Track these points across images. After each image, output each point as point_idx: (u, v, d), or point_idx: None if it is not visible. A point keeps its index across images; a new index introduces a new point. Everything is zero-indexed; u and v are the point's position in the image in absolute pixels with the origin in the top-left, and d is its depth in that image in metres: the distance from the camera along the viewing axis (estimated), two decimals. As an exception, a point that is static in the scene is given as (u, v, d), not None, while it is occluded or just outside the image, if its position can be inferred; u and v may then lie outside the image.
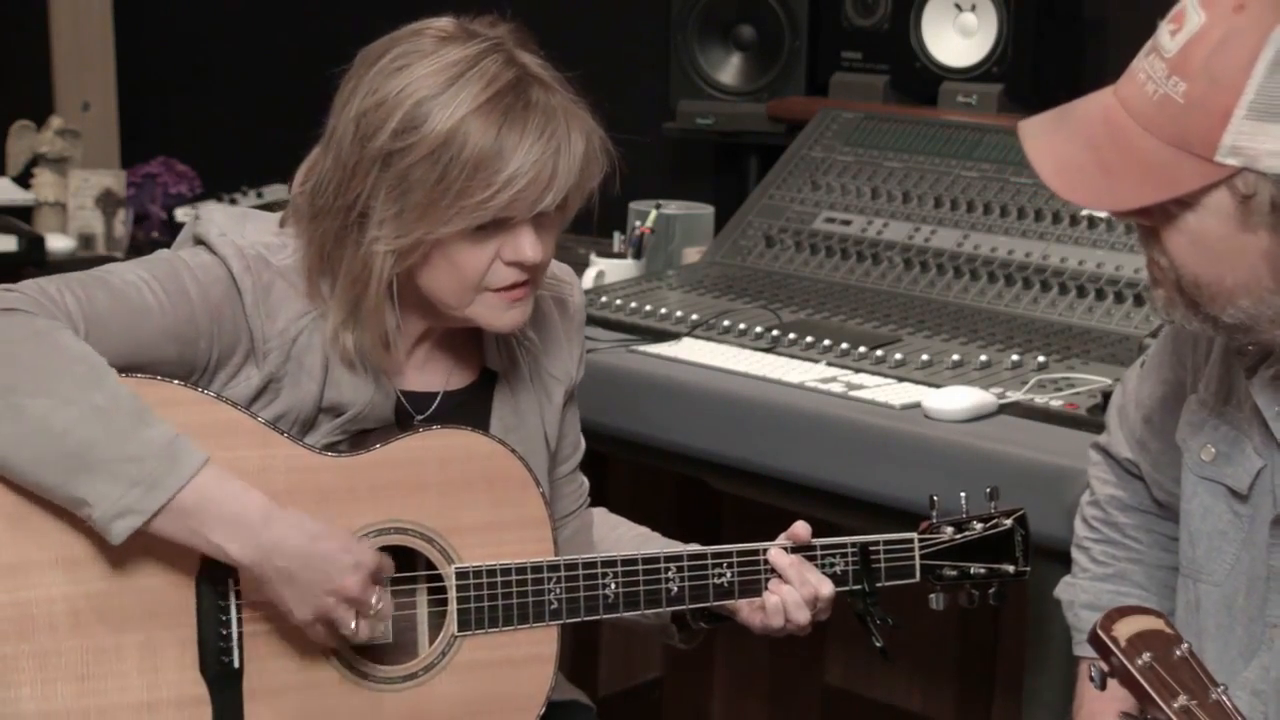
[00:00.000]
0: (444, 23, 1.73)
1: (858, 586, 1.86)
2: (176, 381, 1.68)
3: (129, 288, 1.67)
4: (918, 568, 1.88)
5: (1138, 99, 1.47)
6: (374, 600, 1.66)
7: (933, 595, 1.90)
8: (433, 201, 1.65)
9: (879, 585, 1.87)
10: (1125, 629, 1.36)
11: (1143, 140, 1.46)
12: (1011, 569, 1.90)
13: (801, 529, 1.86)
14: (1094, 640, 1.37)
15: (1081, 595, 1.88)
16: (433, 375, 1.84)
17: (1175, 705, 1.32)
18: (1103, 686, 1.40)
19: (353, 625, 1.66)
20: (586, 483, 2.04)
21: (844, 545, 1.86)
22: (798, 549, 1.85)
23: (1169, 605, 1.78)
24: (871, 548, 1.87)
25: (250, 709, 1.68)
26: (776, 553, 1.84)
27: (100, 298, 1.66)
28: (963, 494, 1.90)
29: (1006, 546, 1.90)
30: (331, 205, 1.70)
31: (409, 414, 1.82)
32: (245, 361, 1.73)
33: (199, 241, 1.76)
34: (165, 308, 1.68)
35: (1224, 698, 1.33)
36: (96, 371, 1.60)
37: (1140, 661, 1.34)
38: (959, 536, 1.88)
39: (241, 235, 1.74)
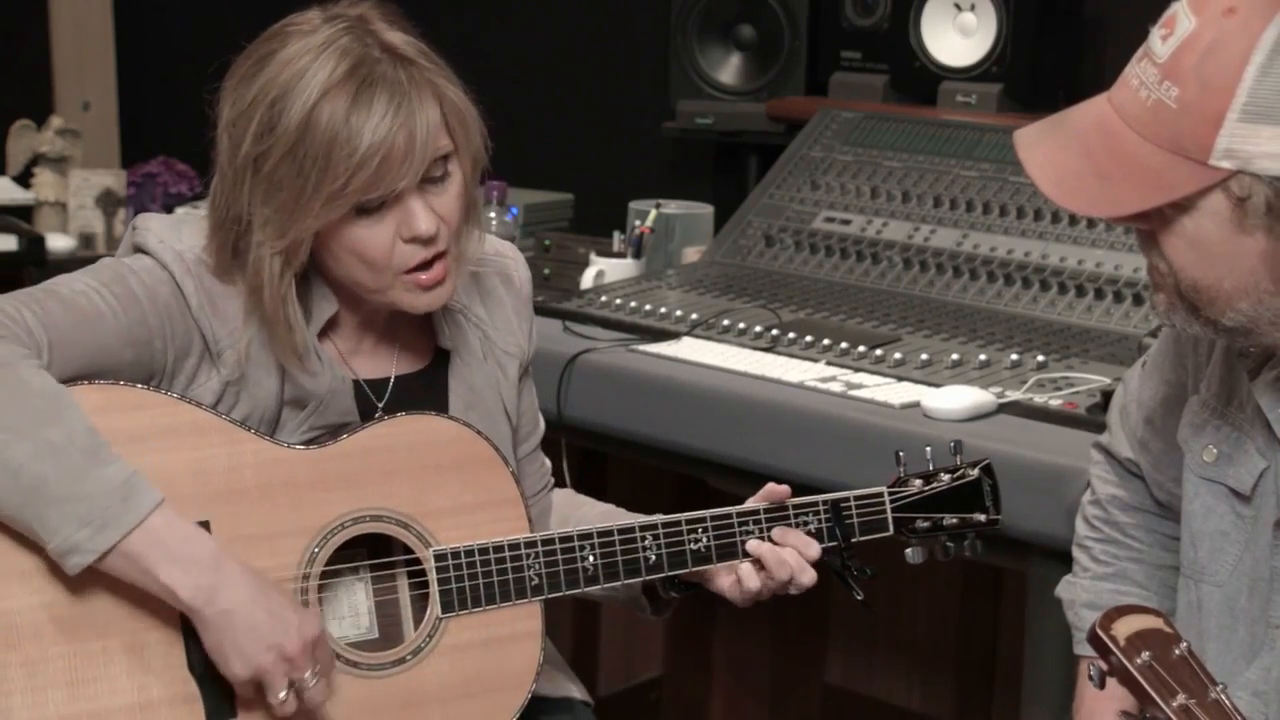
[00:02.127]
0: (307, 14, 1.72)
1: (833, 543, 1.87)
2: (140, 385, 1.68)
3: (79, 296, 1.68)
4: (890, 521, 1.90)
5: (1131, 105, 1.47)
6: (309, 673, 1.63)
7: (909, 550, 1.92)
8: (297, 196, 1.66)
9: (854, 540, 1.88)
10: (1124, 628, 1.37)
11: (1137, 146, 1.46)
12: (983, 517, 1.92)
13: (776, 489, 1.87)
14: (1093, 639, 1.37)
15: (1082, 594, 1.88)
16: (383, 361, 1.85)
17: (1174, 704, 1.32)
18: (1102, 685, 1.40)
19: (282, 695, 1.63)
20: (549, 463, 2.04)
21: (815, 503, 1.88)
22: (771, 510, 1.86)
23: (1170, 605, 1.78)
24: (843, 503, 1.88)
25: (242, 703, 1.68)
26: (755, 544, 1.84)
27: (54, 310, 1.65)
28: (928, 448, 1.92)
29: (976, 495, 1.92)
30: (224, 218, 1.71)
31: (371, 402, 1.82)
32: (201, 362, 1.73)
33: (139, 250, 1.76)
34: (117, 312, 1.68)
35: (1223, 696, 1.33)
36: (54, 406, 1.59)
37: (1139, 660, 1.34)
38: (927, 488, 1.90)
39: (179, 241, 1.74)
